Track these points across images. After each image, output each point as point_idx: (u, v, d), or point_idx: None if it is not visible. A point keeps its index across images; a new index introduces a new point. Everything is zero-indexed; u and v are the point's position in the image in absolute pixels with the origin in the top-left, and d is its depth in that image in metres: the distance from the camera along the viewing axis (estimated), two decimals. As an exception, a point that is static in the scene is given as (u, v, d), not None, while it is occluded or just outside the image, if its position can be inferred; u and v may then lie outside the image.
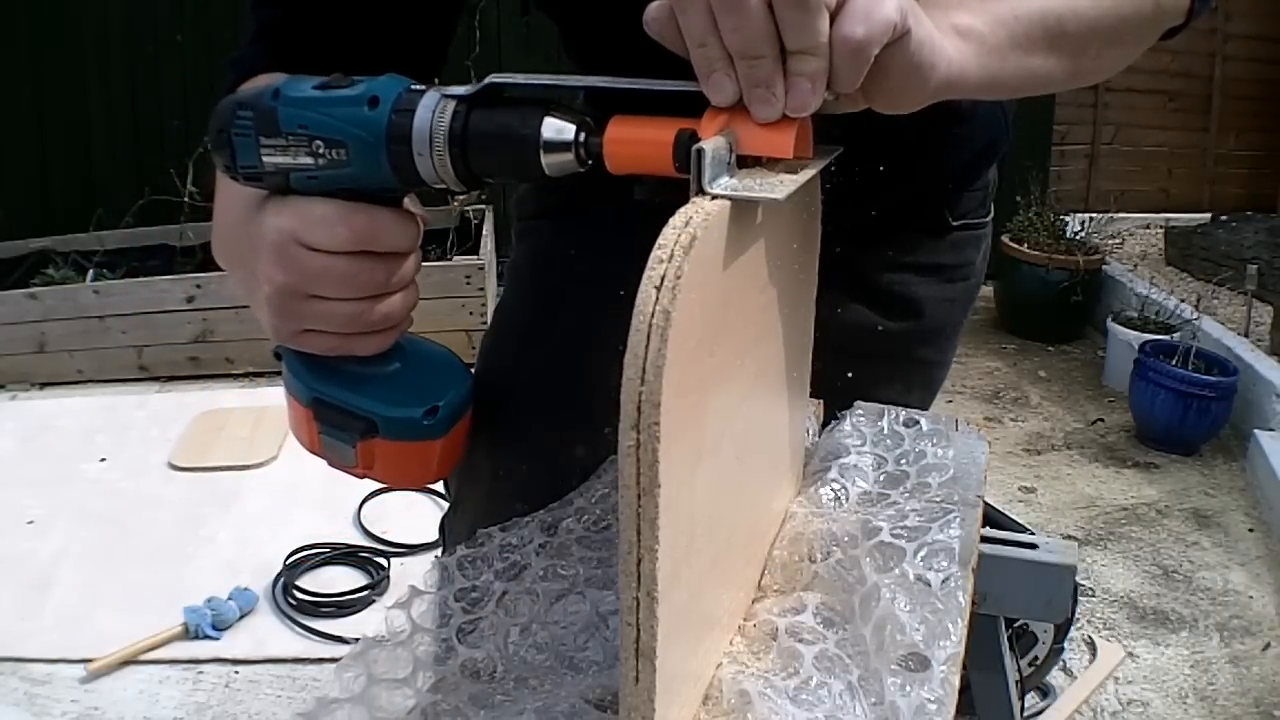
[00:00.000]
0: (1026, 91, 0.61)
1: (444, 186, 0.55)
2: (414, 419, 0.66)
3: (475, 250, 3.34)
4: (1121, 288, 3.51)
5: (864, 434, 0.77)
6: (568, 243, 0.87)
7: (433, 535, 2.41)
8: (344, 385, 0.64)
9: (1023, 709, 1.09)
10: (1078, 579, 1.98)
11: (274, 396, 2.96)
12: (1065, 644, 1.87)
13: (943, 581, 0.58)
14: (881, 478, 0.72)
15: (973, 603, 0.59)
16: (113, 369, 3.19)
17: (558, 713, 0.53)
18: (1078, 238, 3.58)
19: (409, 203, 0.59)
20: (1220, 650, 2.04)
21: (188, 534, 2.32)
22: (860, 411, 0.80)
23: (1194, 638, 2.08)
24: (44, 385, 3.18)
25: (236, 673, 1.92)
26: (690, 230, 0.40)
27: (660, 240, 0.40)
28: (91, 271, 3.29)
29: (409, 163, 0.53)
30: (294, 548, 2.22)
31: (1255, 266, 3.18)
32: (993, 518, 1.41)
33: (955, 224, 0.89)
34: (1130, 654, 2.03)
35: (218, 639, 1.98)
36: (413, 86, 0.54)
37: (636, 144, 0.50)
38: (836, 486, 0.69)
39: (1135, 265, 3.79)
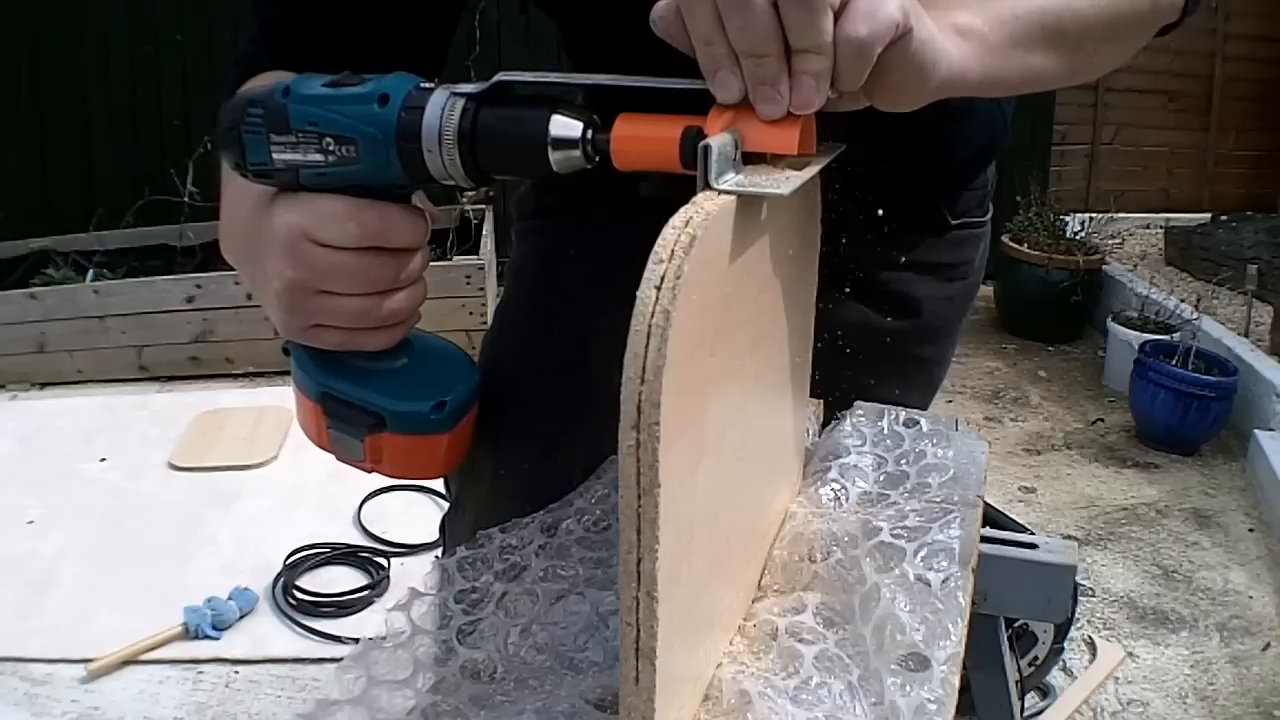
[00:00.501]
0: (1025, 89, 0.62)
1: (453, 183, 0.55)
2: (422, 413, 0.66)
3: (475, 250, 3.34)
4: (1121, 288, 3.51)
5: (864, 434, 0.77)
6: (568, 243, 0.88)
7: (433, 535, 2.41)
8: (352, 380, 0.65)
9: (1023, 709, 1.10)
10: (1078, 579, 1.98)
11: (274, 396, 2.97)
12: (1065, 644, 1.87)
13: (943, 581, 0.58)
14: (881, 478, 0.72)
15: (973, 603, 0.59)
16: (113, 369, 3.19)
17: (558, 713, 0.53)
18: (1078, 238, 3.57)
19: (417, 199, 0.60)
20: (1220, 650, 2.04)
21: (188, 534, 2.32)
22: (860, 412, 0.80)
23: (1194, 638, 2.08)
24: (44, 385, 3.18)
25: (236, 673, 1.92)
26: (690, 230, 0.40)
27: (660, 240, 0.40)
28: (91, 271, 3.29)
29: (418, 159, 0.54)
30: (294, 548, 2.22)
31: (1255, 266, 3.18)
32: (993, 518, 1.41)
33: (954, 223, 0.89)
34: (1130, 654, 2.03)
35: (218, 639, 1.98)
36: (422, 84, 0.55)
37: (643, 141, 0.51)
38: (836, 486, 0.69)
39: (1135, 265, 3.78)
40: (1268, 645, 2.05)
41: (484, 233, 3.48)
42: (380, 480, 2.42)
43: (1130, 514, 2.55)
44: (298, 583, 2.12)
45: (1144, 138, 4.26)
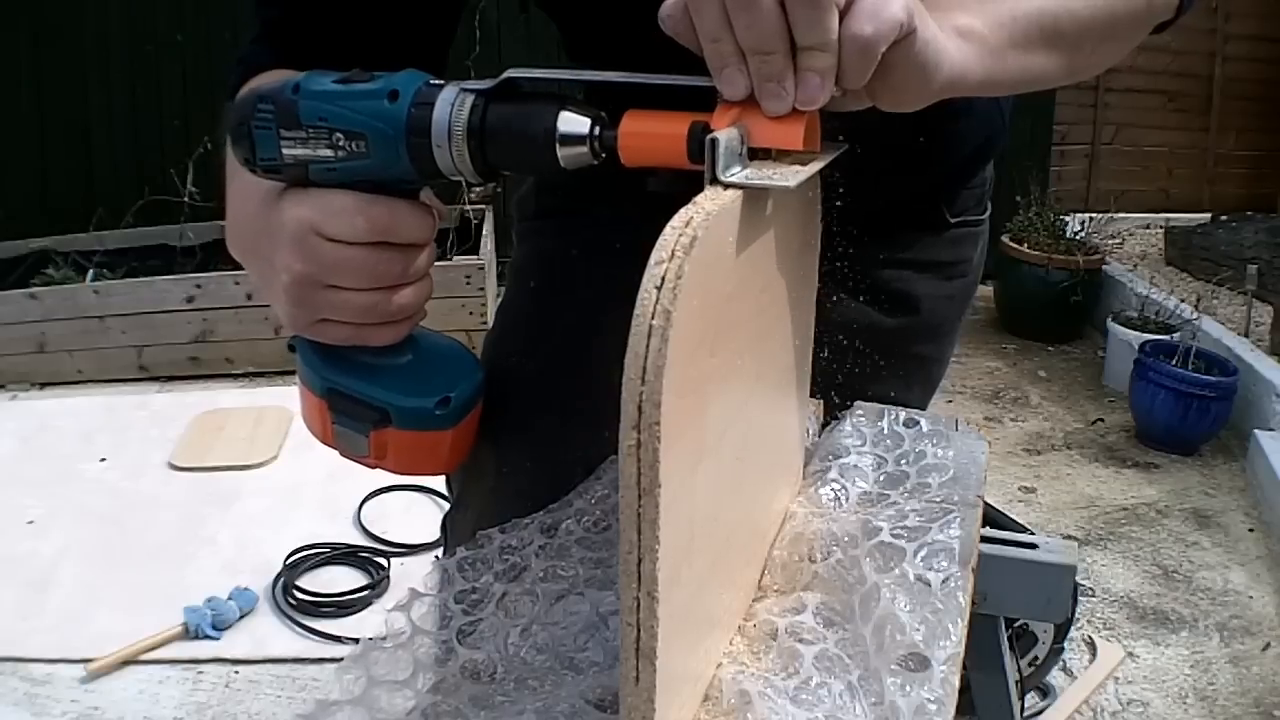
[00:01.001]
0: (1024, 88, 0.63)
1: (461, 178, 0.56)
2: (427, 409, 0.67)
3: (475, 250, 3.34)
4: (1121, 288, 3.51)
5: (864, 434, 0.77)
6: (569, 243, 0.88)
7: (433, 535, 2.41)
8: (358, 375, 0.66)
9: (1023, 709, 1.10)
10: (1078, 579, 1.98)
11: (274, 396, 2.97)
12: (1065, 644, 1.87)
13: (943, 581, 0.58)
14: (881, 478, 0.72)
15: (973, 603, 0.59)
16: (113, 369, 3.19)
17: (558, 713, 0.53)
18: (1078, 238, 3.57)
19: (425, 196, 0.60)
20: (1220, 650, 2.04)
21: (188, 534, 2.32)
22: (860, 412, 0.80)
23: (1194, 638, 2.08)
24: (44, 385, 3.18)
25: (236, 673, 1.92)
26: (691, 230, 0.40)
27: (661, 240, 0.40)
28: (91, 271, 3.29)
29: (428, 155, 0.55)
30: (294, 548, 2.22)
31: (1255, 266, 3.18)
32: (993, 518, 1.41)
33: (953, 221, 0.90)
34: (1130, 654, 2.03)
35: (218, 639, 1.98)
36: (431, 81, 0.56)
37: (650, 137, 0.52)
38: (836, 487, 0.69)
39: (1135, 265, 3.78)
40: (1268, 645, 2.05)
41: (484, 233, 3.48)
42: (380, 480, 2.43)
43: (1130, 514, 2.55)
44: (298, 583, 2.12)
45: (1144, 138, 4.26)
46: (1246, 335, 3.08)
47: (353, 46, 0.68)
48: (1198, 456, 2.82)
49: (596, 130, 0.53)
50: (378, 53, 0.65)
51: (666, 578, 0.41)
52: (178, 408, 2.95)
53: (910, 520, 0.63)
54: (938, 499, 0.68)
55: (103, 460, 2.67)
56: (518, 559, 0.68)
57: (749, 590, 0.59)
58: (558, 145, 0.53)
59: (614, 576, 0.65)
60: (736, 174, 0.47)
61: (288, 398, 2.92)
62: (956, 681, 0.52)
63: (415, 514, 2.38)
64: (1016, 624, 1.67)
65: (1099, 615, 2.15)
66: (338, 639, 1.98)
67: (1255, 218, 3.91)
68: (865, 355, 0.82)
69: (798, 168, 0.49)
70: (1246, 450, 2.73)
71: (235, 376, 3.20)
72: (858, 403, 0.81)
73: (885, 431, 0.78)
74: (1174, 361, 2.77)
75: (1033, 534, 0.87)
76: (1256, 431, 2.66)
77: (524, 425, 0.79)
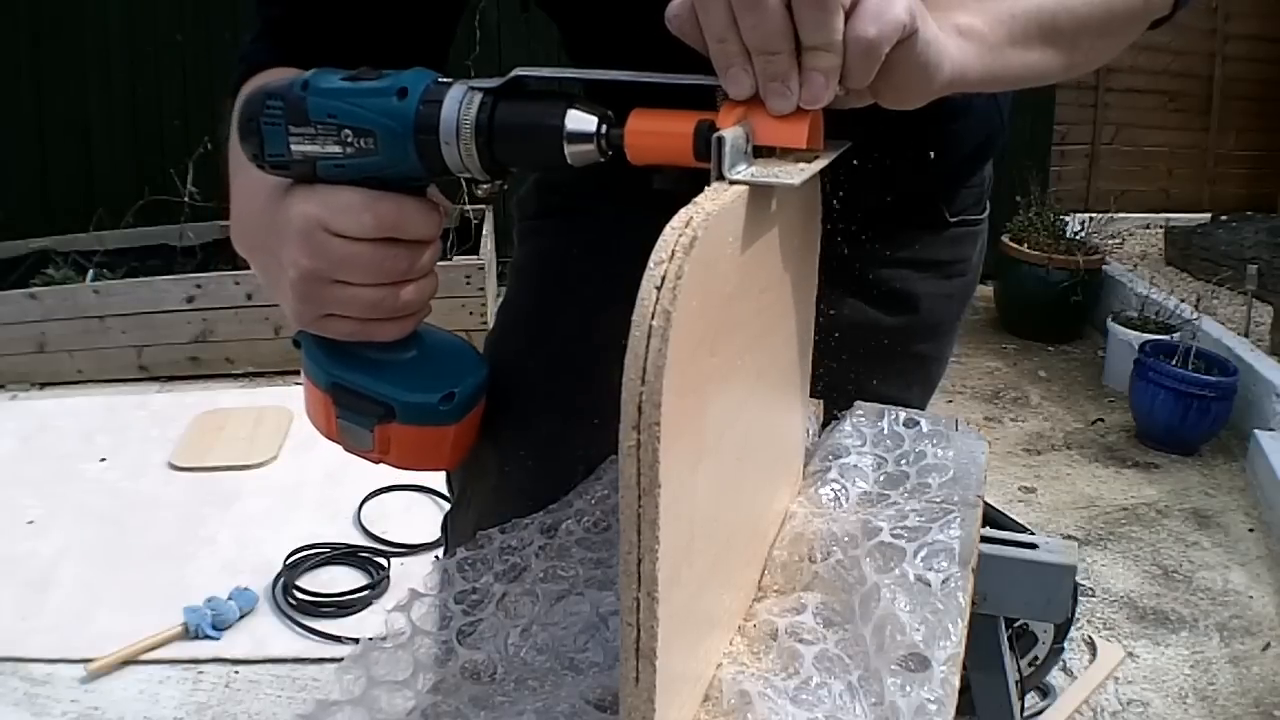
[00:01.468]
0: (1023, 84, 0.64)
1: (469, 175, 0.57)
2: (431, 404, 0.67)
3: (475, 250, 3.34)
4: (1121, 288, 3.51)
5: (864, 434, 0.77)
6: (570, 242, 0.88)
7: (432, 535, 2.41)
8: (363, 371, 0.66)
9: (1023, 709, 1.09)
10: (1078, 579, 1.98)
11: (274, 396, 2.97)
12: (1065, 644, 1.87)
13: (943, 582, 0.58)
14: (881, 478, 0.72)
15: (973, 603, 0.59)
16: (113, 369, 3.19)
17: (558, 713, 0.53)
18: (1078, 238, 3.57)
19: (431, 193, 0.61)
20: (1220, 650, 2.04)
21: (188, 534, 2.32)
22: (860, 412, 0.80)
23: (1194, 638, 2.08)
24: (44, 385, 3.18)
25: (236, 673, 1.92)
26: (691, 230, 0.40)
27: (661, 240, 0.40)
28: (91, 271, 3.29)
29: (436, 152, 0.55)
30: (294, 548, 2.22)
31: (1255, 266, 3.18)
32: (993, 518, 1.40)
33: (952, 220, 0.90)
34: (1130, 654, 2.03)
35: (218, 639, 1.98)
36: (439, 79, 0.56)
37: (657, 135, 0.52)
38: (836, 487, 0.69)
39: (1135, 265, 3.79)
40: (1268, 645, 2.05)
41: (484, 233, 3.48)
42: (380, 480, 2.43)
43: (1130, 514, 2.55)
44: (298, 583, 2.12)
45: (1144, 138, 4.26)
46: (1246, 335, 3.08)
47: (354, 46, 0.68)
48: (1198, 456, 2.82)
49: (603, 128, 0.54)
50: (378, 52, 0.66)
51: (666, 578, 0.41)
52: (178, 408, 2.95)
53: (910, 520, 0.63)
54: (938, 499, 0.68)
55: (103, 460, 2.67)
56: (518, 559, 0.68)
57: (749, 590, 0.59)
58: (565, 143, 0.54)
59: (614, 577, 0.65)
60: (742, 172, 0.47)
61: (288, 398, 2.92)
62: (956, 682, 0.52)
63: (415, 514, 2.38)
64: (1016, 624, 1.67)
65: (1099, 615, 2.15)
66: (338, 639, 1.98)
67: (1255, 218, 3.91)
68: (864, 354, 0.82)
69: (802, 165, 0.49)
70: (1246, 450, 2.73)
71: (235, 376, 3.20)
72: (857, 403, 0.81)
73: (885, 432, 0.78)
74: (1174, 361, 2.77)
75: (1033, 534, 0.87)
76: (1256, 431, 2.66)
77: (525, 424, 0.79)
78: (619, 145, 0.53)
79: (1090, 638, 2.06)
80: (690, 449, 0.43)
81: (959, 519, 0.63)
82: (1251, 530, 2.47)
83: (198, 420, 2.85)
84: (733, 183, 0.46)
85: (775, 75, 0.48)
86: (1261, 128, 4.28)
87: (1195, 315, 3.10)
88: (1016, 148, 3.80)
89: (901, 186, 0.84)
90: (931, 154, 0.83)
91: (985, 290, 3.72)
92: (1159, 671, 1.98)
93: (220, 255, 3.36)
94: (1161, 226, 4.08)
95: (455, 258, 3.20)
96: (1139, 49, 3.73)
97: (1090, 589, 2.22)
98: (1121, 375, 3.04)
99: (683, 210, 0.42)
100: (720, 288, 0.44)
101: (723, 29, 0.48)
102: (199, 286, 3.15)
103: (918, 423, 0.79)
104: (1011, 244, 3.56)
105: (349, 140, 0.56)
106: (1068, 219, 3.65)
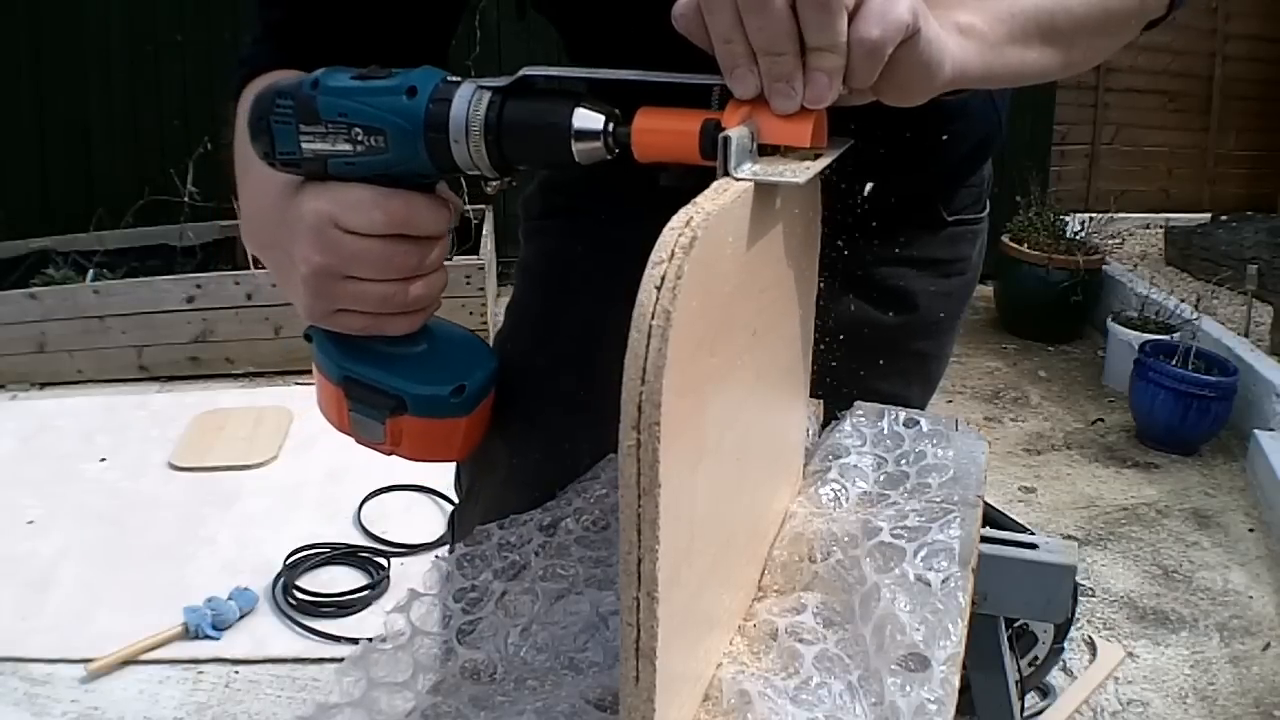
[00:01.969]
0: (1022, 83, 0.65)
1: (477, 173, 0.57)
2: (442, 397, 0.68)
3: (475, 250, 3.34)
4: (1121, 288, 3.51)
5: (864, 434, 0.77)
6: (575, 241, 0.90)
7: (433, 535, 2.41)
8: (374, 364, 0.67)
9: (1023, 709, 1.09)
10: (1078, 579, 1.98)
11: (274, 396, 2.97)
12: (1065, 644, 1.87)
13: (943, 581, 0.58)
14: (881, 478, 0.72)
15: (973, 603, 0.59)
16: (113, 369, 3.19)
17: (558, 713, 0.53)
18: (1078, 238, 3.57)
19: (440, 189, 0.61)
20: (1220, 650, 2.04)
21: (188, 534, 2.32)
22: (860, 412, 0.80)
23: (1194, 638, 2.08)
24: (44, 385, 3.18)
25: (236, 673, 1.92)
26: (691, 230, 0.40)
27: (661, 240, 0.40)
28: (91, 271, 3.29)
29: (445, 149, 0.56)
30: (294, 548, 2.22)
31: (1255, 266, 3.18)
32: (993, 518, 1.40)
33: (950, 219, 0.90)
34: (1130, 654, 2.03)
35: (218, 639, 1.98)
36: (448, 78, 0.57)
37: (663, 133, 0.53)
38: (836, 487, 0.69)
39: (1135, 265, 3.78)
40: (1268, 645, 2.05)
41: (484, 233, 3.48)
42: (380, 480, 2.43)
43: (1130, 514, 2.55)
44: (298, 583, 2.12)
45: (1144, 138, 4.26)
46: (1246, 335, 3.07)
47: (354, 49, 0.68)
48: (1198, 456, 2.82)
49: (610, 126, 0.55)
50: (379, 55, 0.66)
51: (666, 578, 0.41)
52: (178, 408, 2.95)
53: (910, 520, 0.63)
54: (938, 499, 0.68)
55: (103, 460, 2.67)
56: (517, 556, 0.68)
57: (749, 590, 0.59)
58: (573, 140, 0.55)
59: (613, 576, 0.65)
60: (748, 169, 0.48)
61: (288, 398, 2.92)
62: (957, 681, 0.52)
63: (415, 514, 2.38)
64: (1016, 624, 1.67)
65: (1099, 615, 2.15)
66: (338, 639, 1.98)
67: (1255, 218, 3.91)
68: (863, 351, 0.82)
69: (806, 164, 0.50)
70: (1246, 450, 2.73)
71: (235, 376, 3.20)
72: (857, 403, 0.81)
73: (885, 432, 0.78)
74: (1174, 361, 2.77)
75: (1033, 534, 0.87)
76: (1256, 431, 2.66)
77: (533, 419, 0.80)
78: (626, 143, 0.54)
79: (1090, 638, 2.06)
80: (690, 449, 0.43)
81: (959, 519, 0.63)
82: (1251, 530, 2.47)
83: (198, 420, 2.85)
84: (739, 180, 0.47)
85: (780, 75, 0.49)
86: (1261, 128, 4.28)
87: (1195, 315, 3.10)
88: (1016, 148, 3.80)
89: (898, 185, 0.84)
90: (929, 155, 0.84)
91: (985, 290, 3.72)
92: (1159, 671, 1.98)
93: (220, 255, 3.36)
94: (1161, 226, 4.08)
95: (455, 258, 3.20)
96: (1139, 49, 3.73)
97: (1090, 589, 2.22)
98: (1121, 375, 3.04)
99: (682, 210, 0.42)
100: (720, 287, 0.44)
101: (729, 30, 0.49)
102: (199, 286, 3.15)
103: (918, 422, 0.79)
104: (1011, 244, 3.56)
105: (359, 138, 0.57)
106: (1068, 219, 3.65)
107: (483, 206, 3.62)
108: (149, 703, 1.84)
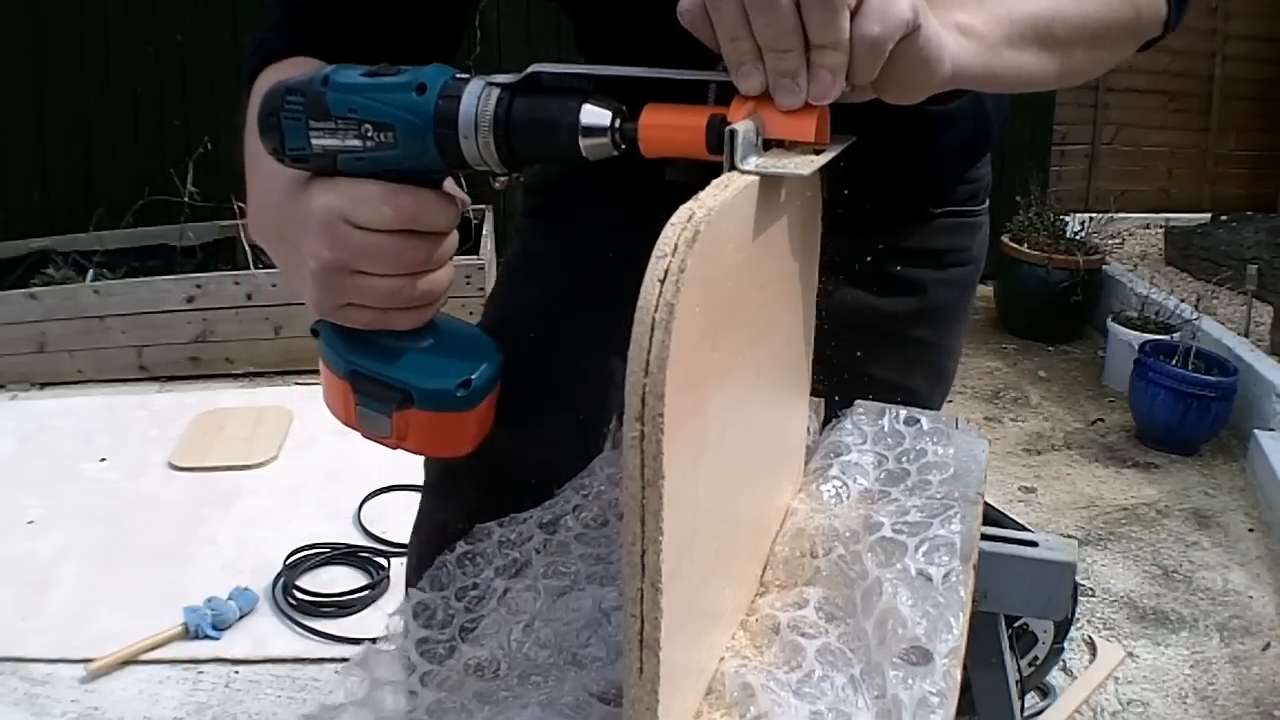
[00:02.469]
0: (1020, 88, 0.65)
1: (486, 168, 0.58)
2: (448, 391, 0.68)
3: (475, 250, 3.34)
4: (1121, 288, 3.51)
5: (864, 432, 0.77)
6: (547, 241, 0.94)
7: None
8: (381, 358, 0.67)
9: (1023, 709, 1.10)
10: (1078, 579, 1.98)
11: (274, 396, 2.97)
12: (1065, 644, 1.87)
13: (944, 576, 0.58)
14: (882, 475, 0.72)
15: (973, 600, 0.59)
16: (113, 369, 3.19)
17: (562, 705, 0.53)
18: (1078, 238, 3.58)
19: (448, 185, 0.62)
20: (1220, 650, 2.04)
21: (188, 534, 2.32)
22: (861, 410, 0.81)
23: (1194, 638, 2.08)
24: (44, 385, 3.18)
25: (236, 673, 1.92)
26: (694, 225, 0.41)
27: (664, 235, 0.40)
28: (91, 271, 3.29)
29: (454, 145, 0.57)
30: (294, 548, 2.22)
31: (1255, 266, 3.18)
32: (992, 518, 1.40)
33: (943, 210, 0.91)
34: (1130, 654, 2.03)
35: (218, 639, 1.98)
36: (457, 75, 0.57)
37: (671, 129, 0.54)
38: (838, 483, 0.70)
39: (1135, 265, 3.79)
40: (1268, 645, 2.05)
41: (484, 233, 3.48)
42: (380, 480, 2.43)
43: (1130, 514, 2.55)
44: (298, 583, 2.12)
45: (1144, 138, 4.27)
46: (1246, 335, 3.08)
47: (373, 37, 0.70)
48: (1198, 456, 2.82)
49: (617, 123, 0.55)
50: (397, 44, 0.68)
51: (669, 569, 0.41)
52: (178, 408, 2.95)
53: (911, 516, 0.64)
54: (938, 496, 0.68)
55: (103, 460, 2.67)
56: (518, 554, 0.68)
57: (751, 585, 0.59)
58: (581, 136, 0.55)
59: (615, 572, 0.65)
60: (754, 163, 0.49)
61: (288, 398, 2.92)
62: (958, 674, 0.52)
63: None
64: (1017, 624, 1.67)
65: (1099, 615, 2.15)
66: (338, 639, 1.98)
67: (1255, 218, 3.91)
68: (860, 338, 0.83)
69: (811, 157, 0.51)
70: (1246, 450, 2.73)
71: (235, 376, 3.20)
72: (858, 401, 0.82)
73: (886, 429, 0.78)
74: (1174, 361, 2.77)
75: (1033, 534, 0.87)
76: (1256, 431, 2.66)
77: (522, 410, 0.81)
78: (633, 139, 0.55)
79: (1090, 638, 2.06)
80: (692, 442, 0.43)
81: (959, 515, 0.64)
82: (1251, 530, 2.47)
83: (198, 420, 2.85)
84: (745, 173, 0.47)
85: (785, 72, 0.50)
86: (1261, 128, 4.28)
87: (1195, 315, 3.10)
88: (1016, 148, 3.81)
89: (891, 177, 0.86)
90: (913, 153, 0.85)
91: (985, 290, 3.73)
92: (1159, 671, 1.98)
93: (220, 255, 3.36)
94: (1161, 226, 4.08)
95: (455, 257, 3.19)
96: (1138, 49, 3.73)
97: (1090, 589, 2.22)
98: (1121, 375, 3.04)
99: (684, 206, 0.42)
100: (722, 282, 0.45)
101: (735, 27, 0.50)
102: (199, 286, 3.15)
103: (918, 421, 0.79)
104: (1011, 244, 3.56)
105: (369, 134, 0.57)
106: (1068, 219, 3.65)
107: (483, 207, 3.62)
108: (149, 703, 1.84)
